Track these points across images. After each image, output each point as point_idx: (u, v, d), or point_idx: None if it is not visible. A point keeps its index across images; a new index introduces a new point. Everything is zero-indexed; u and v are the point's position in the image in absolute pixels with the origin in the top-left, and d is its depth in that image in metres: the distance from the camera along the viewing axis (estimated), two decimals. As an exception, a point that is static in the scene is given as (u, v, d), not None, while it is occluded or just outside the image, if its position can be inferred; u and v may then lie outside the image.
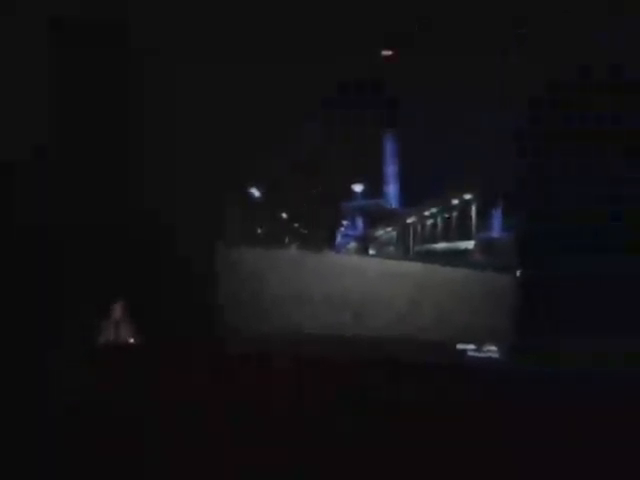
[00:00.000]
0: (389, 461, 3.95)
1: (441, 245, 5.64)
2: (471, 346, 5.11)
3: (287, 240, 5.85)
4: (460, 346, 5.11)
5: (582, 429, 3.77)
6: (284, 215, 5.75)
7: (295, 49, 4.50)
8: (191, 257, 5.32)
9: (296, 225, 5.76)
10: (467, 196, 5.49)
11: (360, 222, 5.88)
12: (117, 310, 5.07)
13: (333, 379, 5.01)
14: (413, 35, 4.17)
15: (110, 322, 5.08)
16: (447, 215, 5.60)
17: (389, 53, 4.46)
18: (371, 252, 5.96)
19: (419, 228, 5.79)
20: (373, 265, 5.92)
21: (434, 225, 5.69)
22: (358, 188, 5.61)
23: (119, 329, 5.07)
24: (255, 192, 5.63)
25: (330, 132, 5.40)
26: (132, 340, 5.11)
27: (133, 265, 5.41)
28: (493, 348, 5.09)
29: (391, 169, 5.56)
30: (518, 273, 5.07)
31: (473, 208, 5.42)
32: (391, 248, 5.93)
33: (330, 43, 4.30)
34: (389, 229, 5.96)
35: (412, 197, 5.69)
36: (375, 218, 5.87)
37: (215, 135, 5.58)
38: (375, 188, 5.64)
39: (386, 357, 5.07)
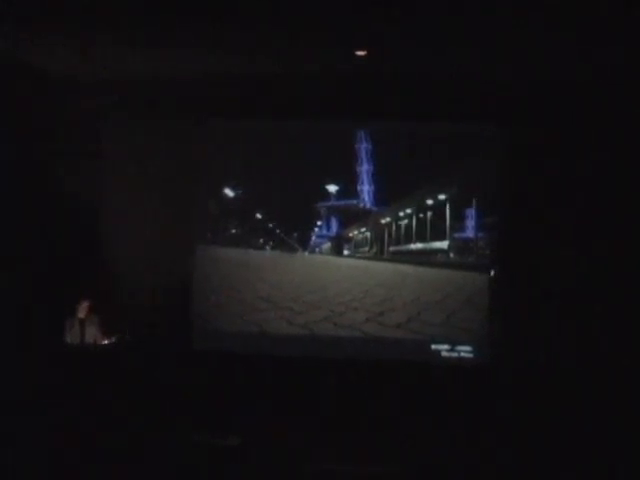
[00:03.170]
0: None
1: (416, 245, 5.54)
2: (445, 346, 5.04)
3: (262, 241, 5.74)
4: (434, 346, 5.04)
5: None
6: (259, 215, 5.62)
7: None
8: (165, 257, 5.18)
9: (271, 225, 5.63)
10: (442, 196, 5.39)
11: (334, 222, 5.78)
12: (83, 309, 4.88)
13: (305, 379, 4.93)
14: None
15: (75, 321, 4.89)
16: (422, 215, 5.51)
17: (363, 53, 4.33)
18: (345, 252, 5.85)
19: (394, 228, 5.69)
20: (347, 265, 5.81)
21: (409, 225, 5.59)
22: (332, 188, 5.51)
23: (85, 328, 4.88)
24: (229, 192, 5.49)
25: (303, 131, 5.33)
26: (99, 340, 4.90)
27: (106, 264, 5.30)
28: (467, 348, 5.03)
29: (365, 169, 5.45)
30: (492, 273, 5.02)
31: (447, 208, 5.34)
32: (365, 248, 5.82)
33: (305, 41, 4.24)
34: (363, 229, 5.85)
35: (387, 197, 5.61)
36: (349, 218, 5.77)
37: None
38: (349, 188, 5.56)
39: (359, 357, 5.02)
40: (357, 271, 5.73)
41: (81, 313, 4.86)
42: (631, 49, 4.10)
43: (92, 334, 4.86)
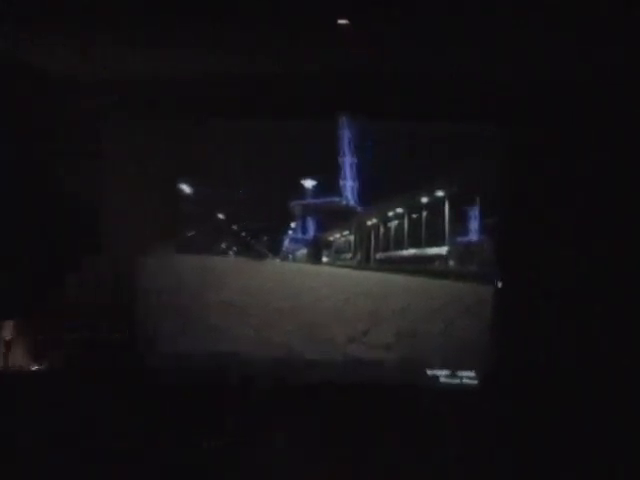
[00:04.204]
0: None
1: (408, 251, 5.08)
2: (444, 372, 4.63)
3: (224, 245, 5.11)
4: (431, 371, 4.61)
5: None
6: (221, 216, 5.03)
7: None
8: (112, 265, 5.05)
9: (235, 227, 5.03)
10: (439, 193, 5.05)
11: (311, 224, 5.17)
12: (8, 329, 4.46)
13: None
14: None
15: None
16: (415, 215, 5.06)
17: (345, 22, 3.83)
18: (324, 259, 5.25)
19: (382, 231, 5.16)
20: (326, 275, 5.20)
21: (400, 227, 5.12)
22: (309, 184, 4.95)
23: (10, 351, 4.46)
24: (186, 188, 5.02)
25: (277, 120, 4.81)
26: (26, 365, 4.48)
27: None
28: (470, 374, 4.66)
29: (348, 161, 4.93)
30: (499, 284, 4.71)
31: (446, 207, 5.02)
32: (348, 255, 5.26)
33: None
34: (346, 232, 5.28)
35: (373, 194, 5.02)
36: (329, 219, 5.18)
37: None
38: (329, 184, 4.99)
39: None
40: (337, 281, 5.09)
41: (6, 334, 4.39)
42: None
43: (20, 358, 4.41)
